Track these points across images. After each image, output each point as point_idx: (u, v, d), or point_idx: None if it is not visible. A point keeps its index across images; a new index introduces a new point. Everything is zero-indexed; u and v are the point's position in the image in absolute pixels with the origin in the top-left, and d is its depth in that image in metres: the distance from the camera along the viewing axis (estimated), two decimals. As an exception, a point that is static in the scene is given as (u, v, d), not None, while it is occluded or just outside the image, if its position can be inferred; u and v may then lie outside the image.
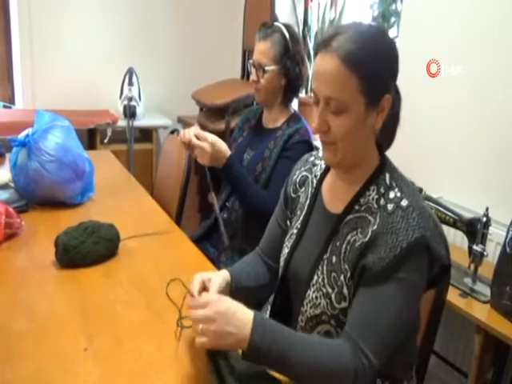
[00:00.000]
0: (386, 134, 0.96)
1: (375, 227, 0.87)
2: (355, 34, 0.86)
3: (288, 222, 1.12)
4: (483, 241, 1.47)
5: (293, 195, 1.11)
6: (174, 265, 1.30)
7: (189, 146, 1.43)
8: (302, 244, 1.04)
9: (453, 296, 1.46)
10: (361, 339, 0.83)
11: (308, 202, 1.05)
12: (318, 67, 0.88)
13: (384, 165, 0.95)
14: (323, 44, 0.88)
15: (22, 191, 1.55)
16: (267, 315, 1.14)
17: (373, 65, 0.86)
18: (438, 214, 1.54)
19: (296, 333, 0.88)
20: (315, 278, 0.96)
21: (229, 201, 1.65)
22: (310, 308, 0.96)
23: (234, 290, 1.03)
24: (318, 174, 1.07)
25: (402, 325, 0.87)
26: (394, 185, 0.91)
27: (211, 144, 1.40)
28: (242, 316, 0.81)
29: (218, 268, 1.34)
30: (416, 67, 1.99)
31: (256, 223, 1.51)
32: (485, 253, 1.47)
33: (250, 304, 0.97)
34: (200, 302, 0.84)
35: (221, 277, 1.01)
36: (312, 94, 0.91)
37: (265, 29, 1.56)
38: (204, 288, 0.98)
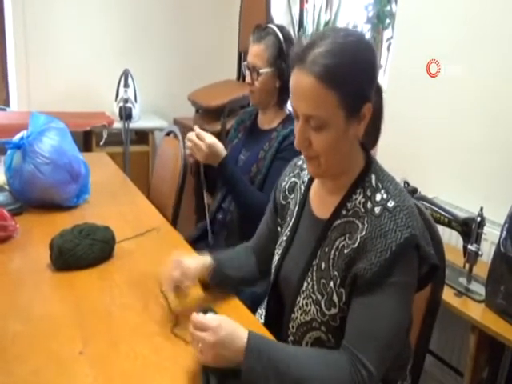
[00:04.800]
0: (371, 133, 0.95)
1: (363, 233, 0.87)
2: (332, 46, 0.83)
3: (278, 228, 1.12)
4: (478, 240, 1.48)
5: (283, 202, 1.10)
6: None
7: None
8: (291, 251, 1.03)
9: (448, 295, 1.47)
10: (359, 351, 0.82)
11: (297, 208, 1.05)
12: (295, 85, 0.86)
13: (369, 166, 0.93)
14: (298, 58, 0.85)
15: (16, 194, 1.54)
16: (262, 320, 1.14)
17: (351, 79, 0.84)
18: (433, 213, 1.55)
19: (291, 351, 0.86)
20: (305, 284, 0.95)
21: (224, 202, 1.65)
22: (301, 315, 0.96)
23: (212, 278, 1.09)
24: (306, 179, 1.06)
25: (399, 330, 0.87)
26: (381, 186, 0.90)
27: (208, 146, 1.44)
28: (240, 344, 0.81)
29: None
30: (413, 67, 1.99)
31: (251, 224, 1.51)
32: (479, 252, 1.48)
33: (231, 290, 1.10)
34: (199, 324, 0.83)
35: (199, 267, 1.07)
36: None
37: (259, 31, 1.56)
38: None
